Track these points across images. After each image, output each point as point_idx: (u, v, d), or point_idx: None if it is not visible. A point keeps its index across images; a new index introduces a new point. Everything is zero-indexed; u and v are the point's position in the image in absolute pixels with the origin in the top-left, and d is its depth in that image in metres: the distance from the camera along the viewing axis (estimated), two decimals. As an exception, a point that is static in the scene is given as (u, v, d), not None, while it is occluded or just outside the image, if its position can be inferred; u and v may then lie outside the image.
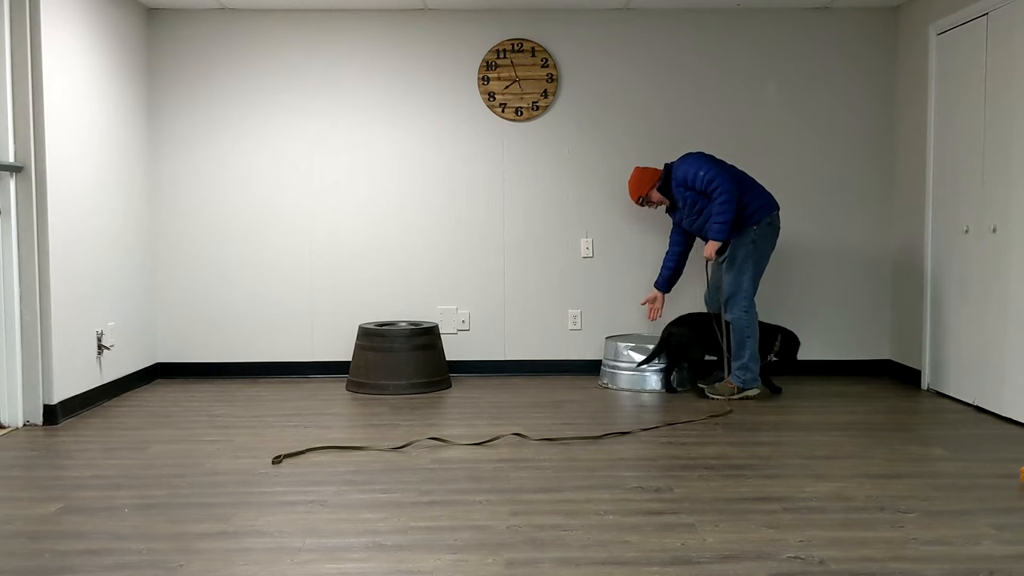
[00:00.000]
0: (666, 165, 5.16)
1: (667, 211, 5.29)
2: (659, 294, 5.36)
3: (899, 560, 2.66)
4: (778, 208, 5.07)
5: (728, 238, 4.95)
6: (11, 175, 4.37)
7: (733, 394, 4.99)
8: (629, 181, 5.25)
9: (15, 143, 4.36)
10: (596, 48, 5.75)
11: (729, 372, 5.03)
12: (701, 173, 4.93)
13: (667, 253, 5.34)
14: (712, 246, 4.95)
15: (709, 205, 4.97)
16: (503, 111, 5.74)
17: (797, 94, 5.77)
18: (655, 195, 5.18)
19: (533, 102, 5.74)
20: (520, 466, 3.69)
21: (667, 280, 5.34)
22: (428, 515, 3.08)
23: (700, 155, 5.06)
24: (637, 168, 5.25)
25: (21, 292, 4.41)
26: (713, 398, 5.02)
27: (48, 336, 4.46)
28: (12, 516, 3.08)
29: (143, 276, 5.60)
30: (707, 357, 5.27)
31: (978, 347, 4.77)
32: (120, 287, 5.27)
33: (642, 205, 5.26)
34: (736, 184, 4.92)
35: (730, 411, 4.71)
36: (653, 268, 5.77)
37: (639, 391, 5.30)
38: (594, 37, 5.74)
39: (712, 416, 4.58)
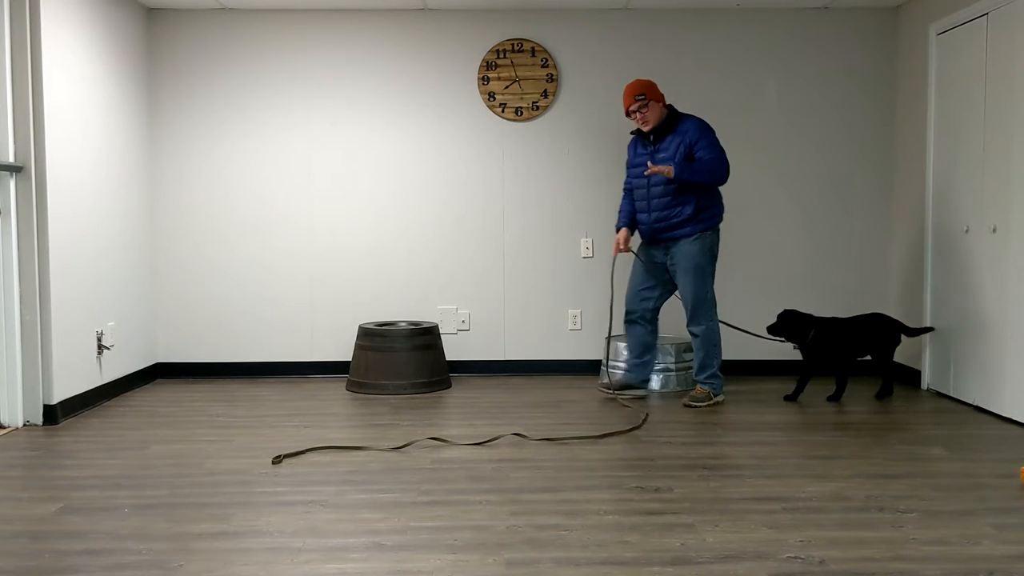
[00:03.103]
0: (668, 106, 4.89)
1: (637, 141, 4.91)
2: (624, 230, 5.03)
3: (899, 560, 2.66)
4: None
5: (678, 181, 4.68)
6: (11, 175, 4.37)
7: (709, 400, 4.87)
8: (641, 81, 4.81)
9: (15, 143, 4.36)
10: (596, 48, 5.75)
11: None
12: (707, 142, 4.72)
13: (624, 204, 5.04)
14: (666, 169, 4.65)
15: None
16: (503, 111, 5.74)
17: (797, 94, 5.77)
18: (657, 110, 4.78)
19: (533, 102, 5.74)
20: (520, 466, 3.69)
21: (629, 217, 5.02)
22: (428, 515, 3.08)
23: (711, 128, 4.82)
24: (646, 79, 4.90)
25: (21, 292, 4.41)
26: (693, 406, 4.85)
27: (48, 336, 4.46)
28: (12, 516, 3.08)
29: (143, 276, 5.60)
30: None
31: (978, 347, 4.77)
32: (120, 287, 5.27)
33: (635, 111, 4.78)
34: (724, 175, 4.77)
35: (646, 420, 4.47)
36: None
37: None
38: (594, 37, 5.74)
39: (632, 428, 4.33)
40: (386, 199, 5.81)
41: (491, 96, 5.73)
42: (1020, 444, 4.04)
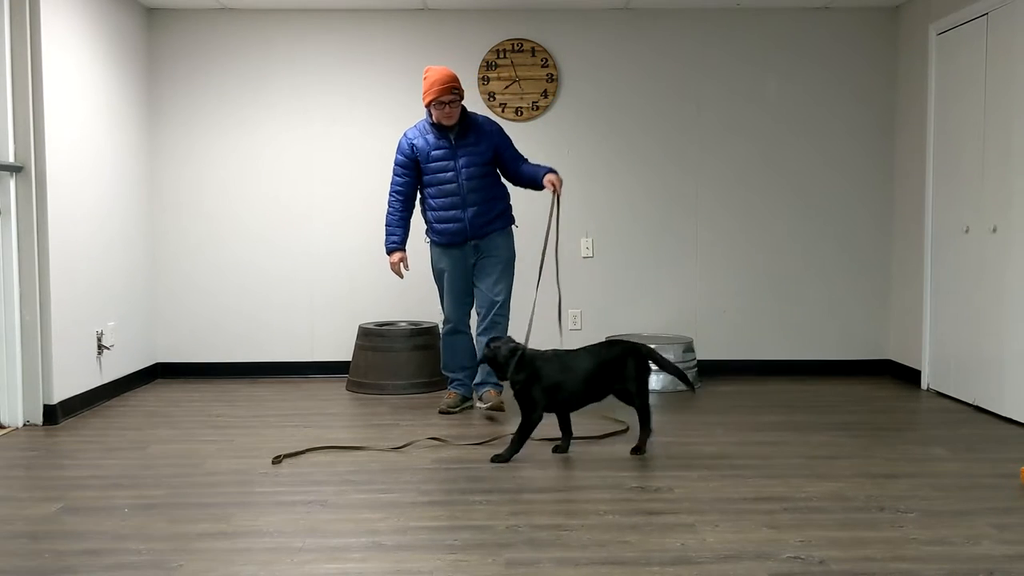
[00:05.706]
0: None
1: (427, 136, 4.55)
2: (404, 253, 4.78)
3: (899, 560, 2.66)
4: None
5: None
6: (11, 175, 4.37)
7: (501, 403, 4.62)
8: (451, 72, 4.44)
9: (15, 143, 4.36)
10: (596, 48, 5.75)
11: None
12: (512, 145, 4.61)
13: (397, 217, 4.75)
14: (556, 180, 4.46)
15: (493, 177, 4.60)
16: (503, 111, 5.73)
17: (797, 94, 5.76)
18: (460, 107, 4.47)
19: (533, 102, 5.74)
20: (520, 466, 3.68)
21: (407, 234, 4.79)
22: (428, 515, 3.07)
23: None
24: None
25: (21, 292, 4.41)
26: (494, 412, 4.59)
27: (48, 336, 4.46)
28: (12, 516, 3.08)
29: (143, 276, 5.60)
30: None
31: (978, 347, 4.76)
32: (120, 287, 5.27)
33: (448, 103, 4.40)
34: None
35: (627, 428, 4.27)
36: (653, 268, 5.78)
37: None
38: (594, 37, 5.74)
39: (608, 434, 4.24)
40: (385, 199, 5.79)
41: (491, 96, 5.73)
42: (1020, 444, 4.04)
